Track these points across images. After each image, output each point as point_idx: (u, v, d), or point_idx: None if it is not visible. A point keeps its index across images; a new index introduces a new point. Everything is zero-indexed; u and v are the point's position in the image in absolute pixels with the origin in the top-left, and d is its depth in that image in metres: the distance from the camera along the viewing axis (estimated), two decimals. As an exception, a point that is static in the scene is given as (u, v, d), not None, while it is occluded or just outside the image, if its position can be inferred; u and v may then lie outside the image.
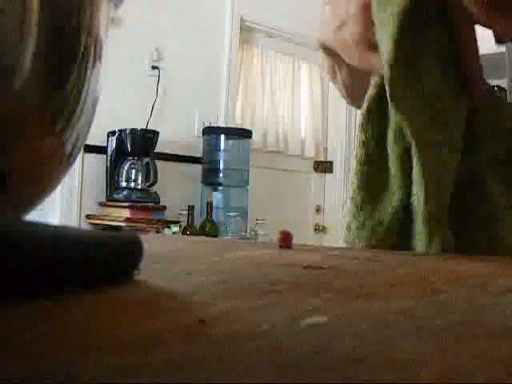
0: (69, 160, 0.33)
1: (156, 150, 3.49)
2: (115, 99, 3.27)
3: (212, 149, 3.80)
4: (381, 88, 0.58)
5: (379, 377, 0.15)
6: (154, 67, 3.72)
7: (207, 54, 4.01)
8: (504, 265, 0.47)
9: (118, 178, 3.41)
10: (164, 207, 3.43)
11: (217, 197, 3.75)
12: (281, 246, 0.52)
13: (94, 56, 0.32)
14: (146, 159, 3.40)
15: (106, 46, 0.33)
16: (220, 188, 3.79)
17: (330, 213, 4.82)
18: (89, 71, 0.32)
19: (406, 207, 0.57)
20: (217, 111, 4.06)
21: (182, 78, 3.83)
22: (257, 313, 0.23)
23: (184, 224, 3.46)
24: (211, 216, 3.59)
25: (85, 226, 3.41)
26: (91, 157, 3.45)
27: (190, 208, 3.52)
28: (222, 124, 4.01)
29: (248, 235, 3.75)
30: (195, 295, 0.27)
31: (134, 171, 3.40)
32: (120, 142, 3.41)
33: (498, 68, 1.00)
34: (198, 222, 3.62)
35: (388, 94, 0.54)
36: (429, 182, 0.54)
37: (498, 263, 0.48)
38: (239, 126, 4.18)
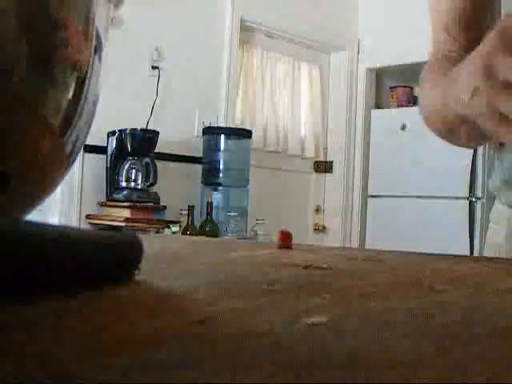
0: (69, 160, 0.33)
1: (156, 150, 3.49)
2: (115, 99, 3.27)
3: (212, 149, 3.80)
4: None
5: (379, 377, 0.15)
6: (154, 67, 3.72)
7: (207, 54, 4.00)
8: (504, 265, 0.47)
9: (118, 178, 3.41)
10: (164, 207, 3.43)
11: (217, 197, 3.75)
12: (281, 246, 0.52)
13: (94, 56, 0.32)
14: (146, 159, 3.40)
15: (106, 46, 0.33)
16: (220, 188, 3.78)
17: (330, 213, 4.82)
18: (89, 71, 0.32)
19: None
20: (217, 111, 4.06)
21: (182, 78, 3.83)
22: (257, 313, 0.23)
23: (184, 224, 3.45)
24: (211, 216, 3.59)
25: (85, 225, 3.40)
26: (91, 157, 3.45)
27: (190, 208, 3.52)
28: (222, 124, 4.01)
29: (248, 235, 3.75)
30: (195, 295, 0.27)
31: (134, 171, 3.40)
32: (120, 142, 3.41)
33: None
34: (197, 221, 3.61)
35: None
36: None
37: (497, 263, 0.48)
38: (239, 126, 4.17)
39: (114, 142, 3.43)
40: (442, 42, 0.76)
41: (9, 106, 0.27)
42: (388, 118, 4.51)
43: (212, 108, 4.01)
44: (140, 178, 3.40)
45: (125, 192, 3.37)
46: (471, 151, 4.00)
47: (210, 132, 3.82)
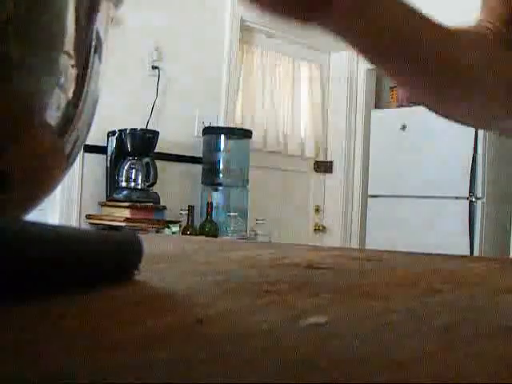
0: (69, 160, 0.33)
1: (156, 150, 3.49)
2: (115, 99, 3.27)
3: (212, 149, 3.80)
4: None
5: (379, 377, 0.15)
6: (154, 67, 3.72)
7: (207, 54, 4.00)
8: (504, 265, 0.47)
9: (118, 178, 3.41)
10: (164, 207, 3.43)
11: (217, 197, 3.75)
12: None
13: (94, 56, 0.32)
14: (146, 159, 3.40)
15: (106, 45, 0.33)
16: (220, 188, 3.79)
17: (330, 213, 4.82)
18: (89, 71, 0.32)
19: None
20: (217, 111, 4.06)
21: (182, 78, 3.83)
22: (257, 313, 0.23)
23: (184, 224, 3.45)
24: (211, 216, 3.59)
25: (85, 226, 3.40)
26: (91, 157, 3.45)
27: (190, 208, 3.52)
28: (222, 124, 4.01)
29: (248, 235, 3.75)
30: (195, 295, 0.27)
31: (133, 171, 3.40)
32: (120, 142, 3.41)
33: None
34: (197, 222, 3.62)
35: None
36: None
37: (498, 263, 0.48)
38: (239, 126, 4.17)
39: (114, 141, 3.43)
40: (480, 13, 0.76)
41: (8, 106, 0.27)
42: (388, 118, 4.51)
43: (212, 108, 4.01)
44: (140, 177, 3.40)
45: (125, 192, 3.37)
46: (471, 151, 4.00)
47: (210, 132, 3.83)
